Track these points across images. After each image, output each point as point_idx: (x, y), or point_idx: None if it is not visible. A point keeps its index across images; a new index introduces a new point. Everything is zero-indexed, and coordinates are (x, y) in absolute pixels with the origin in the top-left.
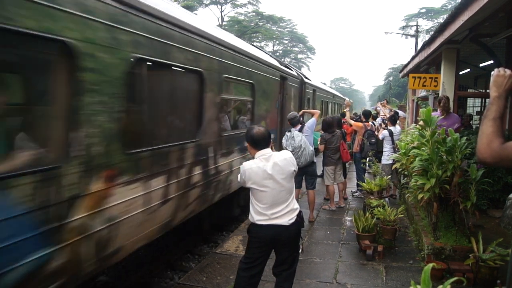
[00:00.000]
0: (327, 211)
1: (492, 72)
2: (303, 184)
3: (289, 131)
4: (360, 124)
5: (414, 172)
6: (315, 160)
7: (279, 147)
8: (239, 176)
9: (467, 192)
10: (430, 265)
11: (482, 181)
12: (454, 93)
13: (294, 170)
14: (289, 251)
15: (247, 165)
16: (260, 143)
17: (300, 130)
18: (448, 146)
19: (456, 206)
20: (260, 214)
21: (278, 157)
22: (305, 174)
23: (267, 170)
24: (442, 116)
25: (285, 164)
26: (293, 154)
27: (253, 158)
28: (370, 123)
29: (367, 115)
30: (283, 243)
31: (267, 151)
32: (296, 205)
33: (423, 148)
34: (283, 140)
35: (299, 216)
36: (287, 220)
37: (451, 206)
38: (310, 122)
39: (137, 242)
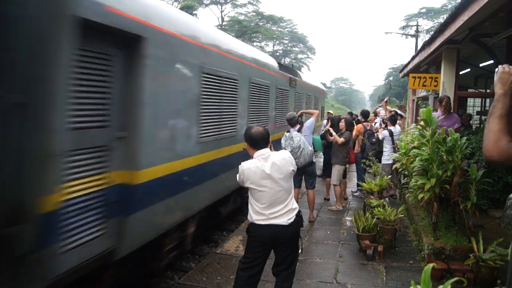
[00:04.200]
0: (327, 211)
1: (496, 69)
2: (303, 184)
3: (288, 131)
4: (359, 126)
5: (414, 172)
6: (314, 160)
7: None
8: (237, 175)
9: (467, 192)
10: (430, 265)
11: (482, 181)
12: (454, 93)
13: (293, 170)
14: (288, 250)
15: (245, 165)
16: (258, 142)
17: (299, 131)
18: (448, 146)
19: (456, 206)
20: (258, 214)
21: (276, 157)
22: (304, 174)
23: (265, 170)
24: (443, 116)
25: (284, 164)
26: (292, 155)
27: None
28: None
29: (366, 115)
30: (282, 242)
31: (266, 151)
32: (295, 205)
33: (423, 148)
34: (282, 141)
35: (298, 215)
36: (286, 219)
37: (451, 206)
38: (309, 122)
39: None
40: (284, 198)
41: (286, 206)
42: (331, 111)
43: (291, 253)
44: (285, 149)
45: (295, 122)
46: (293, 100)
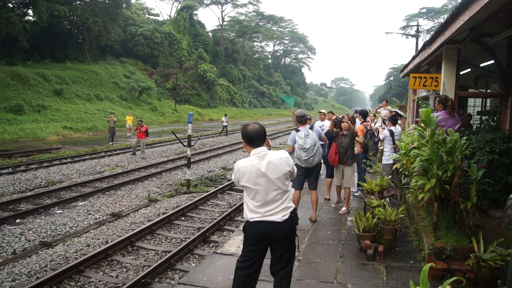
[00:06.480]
0: (327, 211)
1: None
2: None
3: (297, 130)
4: (360, 126)
5: (415, 172)
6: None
7: None
8: (233, 174)
9: (468, 192)
10: (428, 265)
11: (483, 181)
12: (455, 93)
13: (289, 171)
14: (283, 248)
15: (241, 163)
16: (254, 140)
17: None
18: (448, 147)
19: (457, 206)
20: (253, 212)
21: (273, 156)
22: (310, 174)
23: (260, 169)
24: (445, 115)
25: (280, 163)
26: (309, 152)
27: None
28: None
29: (365, 115)
30: (277, 239)
31: (262, 149)
32: (290, 204)
33: (423, 149)
34: (297, 138)
35: (293, 213)
36: (280, 216)
37: (451, 206)
38: (318, 125)
39: None
40: (279, 198)
41: (280, 204)
42: (331, 112)
43: (287, 251)
44: (304, 147)
45: (304, 120)
46: None
